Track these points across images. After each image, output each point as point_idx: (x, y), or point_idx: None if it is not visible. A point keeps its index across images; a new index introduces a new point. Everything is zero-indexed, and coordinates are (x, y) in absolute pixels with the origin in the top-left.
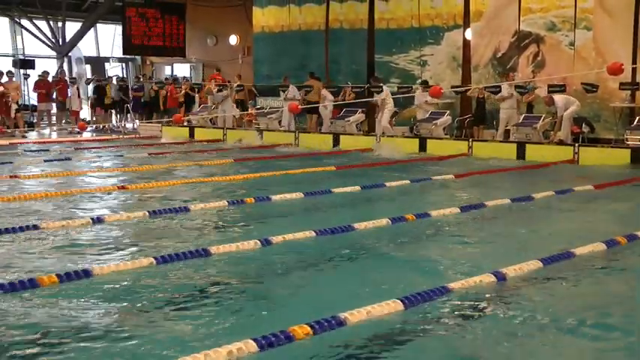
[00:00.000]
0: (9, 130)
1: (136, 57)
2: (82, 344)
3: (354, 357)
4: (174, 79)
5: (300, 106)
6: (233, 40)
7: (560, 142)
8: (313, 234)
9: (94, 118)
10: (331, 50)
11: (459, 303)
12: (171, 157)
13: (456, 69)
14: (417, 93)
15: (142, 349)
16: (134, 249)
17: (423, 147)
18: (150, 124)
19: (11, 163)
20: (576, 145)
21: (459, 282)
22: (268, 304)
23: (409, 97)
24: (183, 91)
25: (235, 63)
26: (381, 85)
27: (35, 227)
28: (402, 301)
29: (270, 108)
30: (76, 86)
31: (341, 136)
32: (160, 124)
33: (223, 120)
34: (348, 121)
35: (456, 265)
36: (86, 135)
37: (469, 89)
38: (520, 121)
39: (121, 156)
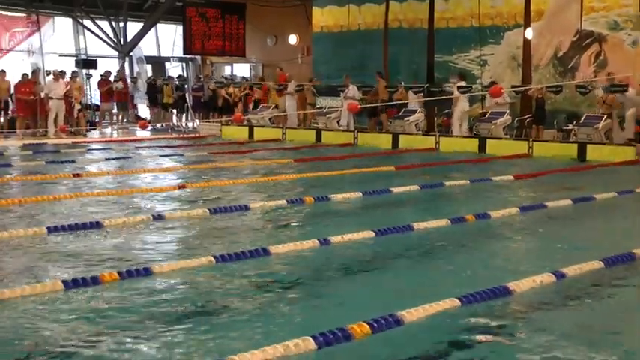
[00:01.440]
0: (72, 130)
1: (196, 57)
2: (142, 338)
3: (413, 356)
4: (234, 79)
5: (359, 106)
6: (293, 39)
7: (628, 143)
8: (372, 234)
9: (151, 118)
10: (390, 50)
11: (519, 303)
12: (230, 157)
13: (516, 69)
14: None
15: (199, 347)
16: (194, 247)
17: (482, 147)
18: (209, 124)
19: (74, 162)
20: (638, 145)
21: (519, 282)
22: (327, 303)
23: (471, 97)
24: (243, 92)
25: (295, 63)
26: (462, 82)
27: (98, 224)
28: (460, 299)
29: (329, 107)
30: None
31: (400, 136)
32: (219, 124)
33: (283, 119)
34: (407, 120)
35: (514, 265)
36: (146, 134)
37: (529, 89)
38: (581, 121)
39: (181, 155)
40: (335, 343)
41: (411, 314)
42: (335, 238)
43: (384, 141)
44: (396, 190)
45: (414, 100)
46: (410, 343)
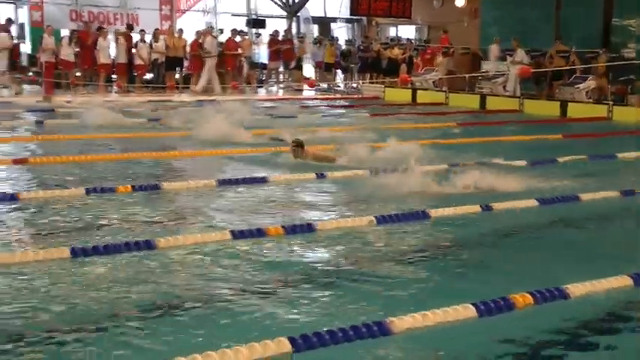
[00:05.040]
0: (241, 87)
1: (362, 18)
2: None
3: (573, 332)
4: (399, 41)
5: (531, 70)
6: (460, 1)
7: None
8: (536, 203)
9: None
10: (563, 13)
11: None
12: (392, 119)
13: None
14: None
15: (361, 303)
16: (355, 207)
17: None
18: (372, 85)
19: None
20: None
21: None
22: (487, 270)
23: None
24: (407, 54)
25: (461, 25)
26: None
27: (263, 180)
28: (632, 277)
29: (495, 72)
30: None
31: (569, 104)
32: (382, 85)
33: (444, 83)
34: (578, 88)
35: None
36: (310, 94)
37: None
38: None
39: (343, 115)
40: (495, 312)
41: (578, 289)
42: (497, 205)
43: (551, 108)
44: (562, 159)
45: (584, 67)
46: (572, 318)
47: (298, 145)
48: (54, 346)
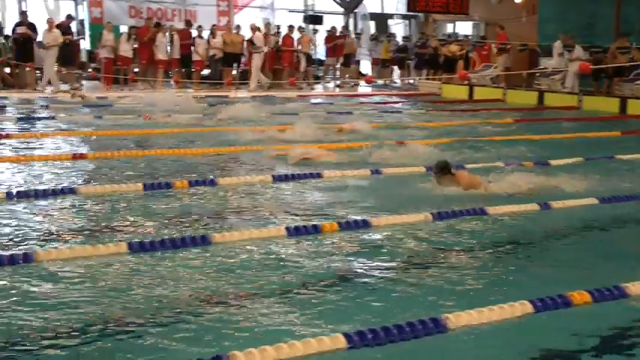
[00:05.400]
0: (297, 82)
1: (419, 14)
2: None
3: (633, 331)
4: (456, 37)
5: (591, 66)
6: None
7: None
8: (595, 201)
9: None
10: (624, 9)
11: None
12: (449, 115)
13: None
14: None
15: (409, 300)
16: (411, 202)
17: None
18: (429, 81)
19: (296, 114)
20: None
21: None
22: (544, 267)
23: None
24: (464, 50)
25: (518, 22)
26: None
27: (318, 175)
28: None
29: (553, 68)
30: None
31: (628, 100)
32: (439, 82)
33: (502, 79)
34: (638, 84)
35: None
36: (367, 90)
37: None
38: None
39: (400, 112)
40: (552, 309)
41: (637, 288)
42: (556, 203)
43: (610, 105)
44: (620, 156)
45: None
46: (633, 317)
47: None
48: (110, 339)
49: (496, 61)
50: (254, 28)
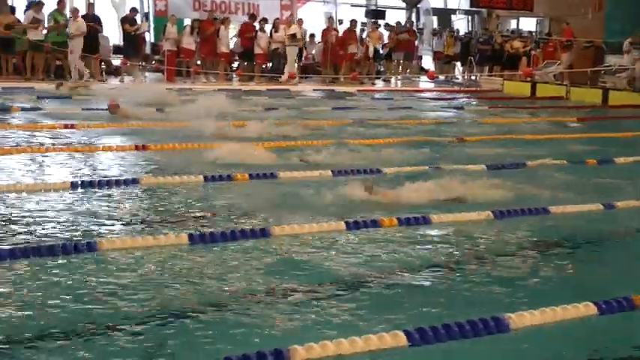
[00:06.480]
0: (360, 77)
1: (482, 10)
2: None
3: None
4: (520, 34)
5: None
6: None
7: None
8: None
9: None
10: None
11: None
12: (511, 112)
13: None
14: None
15: (469, 298)
16: (471, 200)
17: None
18: (491, 78)
19: (356, 108)
20: None
21: None
22: (607, 268)
23: None
24: (528, 46)
25: (583, 18)
26: None
27: (379, 171)
28: None
29: (619, 66)
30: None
31: None
32: (500, 78)
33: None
34: None
35: None
36: (428, 85)
37: None
38: None
39: (461, 108)
40: (617, 312)
41: None
42: (620, 204)
43: None
44: None
45: None
46: None
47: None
48: (169, 328)
49: (560, 58)
50: (292, 21)
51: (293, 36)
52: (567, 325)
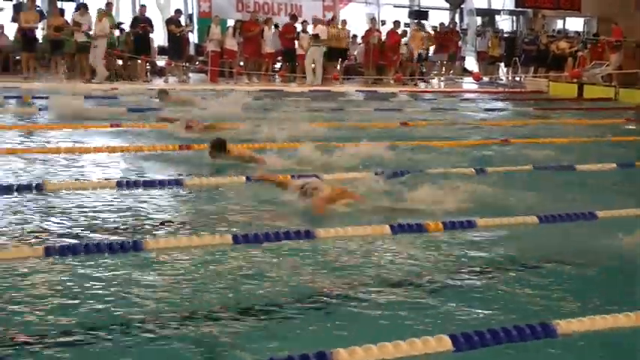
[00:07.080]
0: (403, 78)
1: (527, 10)
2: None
3: None
4: (566, 34)
5: None
6: None
7: None
8: None
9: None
10: None
11: None
12: (557, 114)
13: None
14: None
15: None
16: (515, 203)
17: None
18: (536, 79)
19: (401, 110)
20: None
21: None
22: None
23: None
24: (575, 47)
25: (633, 18)
26: None
27: (421, 171)
28: None
29: None
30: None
31: None
32: (546, 79)
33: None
34: None
35: None
36: (472, 87)
37: None
38: None
39: (506, 109)
40: None
41: None
42: None
43: None
44: None
45: None
46: None
47: (215, 147)
48: (212, 327)
49: (609, 59)
50: (316, 22)
51: (316, 36)
52: (617, 333)
